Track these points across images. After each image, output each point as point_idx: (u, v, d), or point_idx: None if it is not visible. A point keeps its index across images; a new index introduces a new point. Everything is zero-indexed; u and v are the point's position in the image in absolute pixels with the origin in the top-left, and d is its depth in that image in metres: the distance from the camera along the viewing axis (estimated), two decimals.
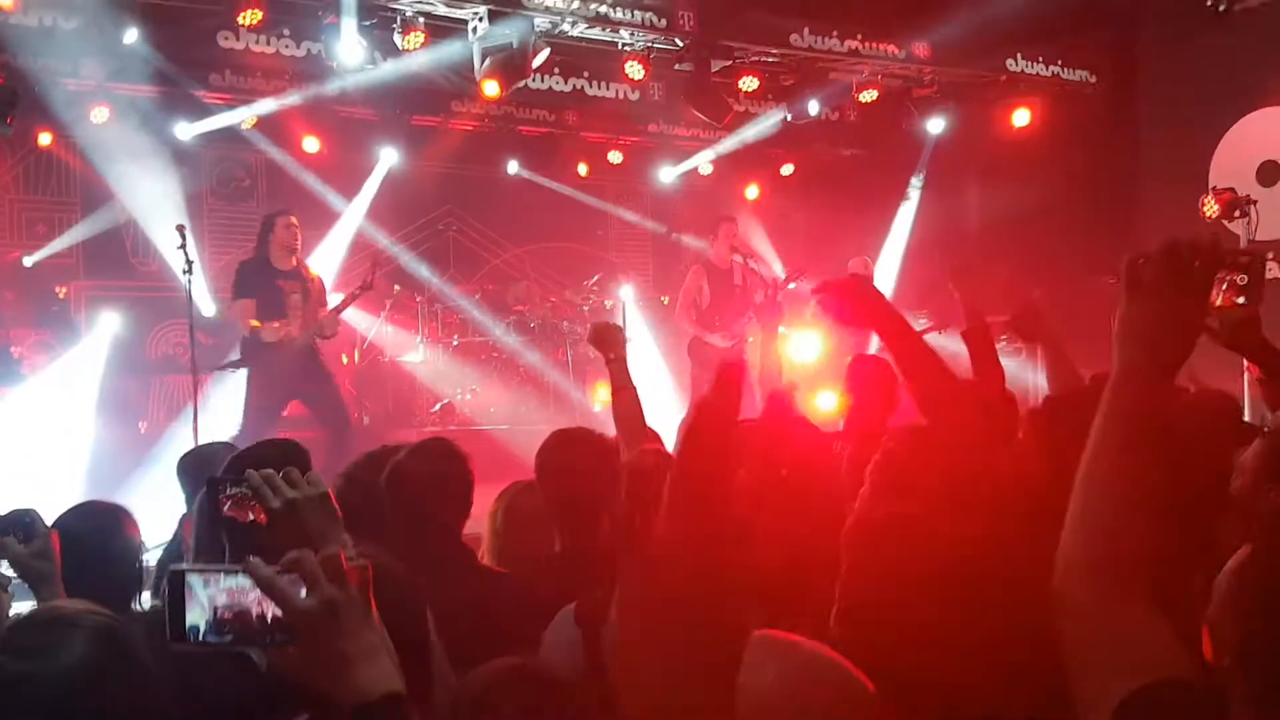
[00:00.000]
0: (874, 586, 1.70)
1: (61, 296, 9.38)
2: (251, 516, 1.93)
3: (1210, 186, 7.84)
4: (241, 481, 1.88)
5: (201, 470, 3.41)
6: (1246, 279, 1.54)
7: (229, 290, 7.43)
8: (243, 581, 1.36)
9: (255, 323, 6.95)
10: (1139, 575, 1.40)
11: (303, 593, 1.36)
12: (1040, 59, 9.43)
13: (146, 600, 3.03)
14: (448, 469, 3.03)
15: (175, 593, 1.36)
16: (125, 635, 1.69)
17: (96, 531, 2.89)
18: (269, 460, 1.92)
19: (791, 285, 8.81)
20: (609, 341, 3.74)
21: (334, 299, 7.46)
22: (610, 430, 3.89)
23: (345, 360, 10.13)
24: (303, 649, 1.35)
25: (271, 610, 1.36)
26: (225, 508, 2.01)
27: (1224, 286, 1.53)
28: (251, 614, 1.37)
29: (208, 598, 1.36)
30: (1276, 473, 2.54)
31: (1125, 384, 1.47)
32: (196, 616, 1.36)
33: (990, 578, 1.65)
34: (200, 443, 6.05)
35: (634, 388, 3.66)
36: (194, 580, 1.36)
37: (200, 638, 1.36)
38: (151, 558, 5.91)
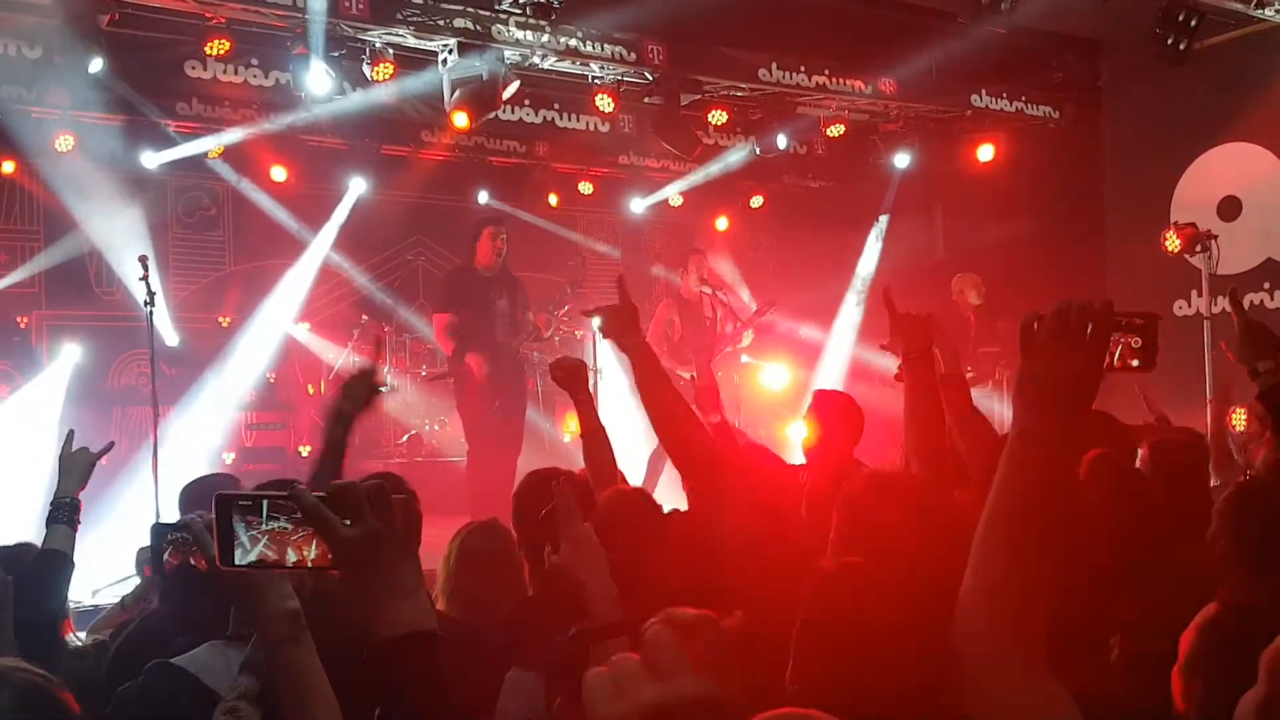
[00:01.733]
0: (830, 641, 1.66)
1: (23, 326, 9.25)
2: (192, 562, 1.91)
3: (1172, 221, 7.94)
4: (183, 527, 1.85)
5: (203, 501, 3.37)
6: (1141, 342, 1.55)
7: (200, 319, 7.50)
8: (284, 524, 1.38)
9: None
10: (1035, 637, 1.38)
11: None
12: (1004, 95, 9.56)
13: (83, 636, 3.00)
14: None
15: (224, 521, 1.38)
16: (54, 694, 1.67)
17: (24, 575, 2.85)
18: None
19: (765, 317, 8.86)
20: (574, 380, 3.65)
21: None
22: (581, 463, 3.87)
23: (311, 391, 10.05)
24: (343, 577, 1.37)
25: (312, 553, 1.38)
26: (167, 554, 1.99)
27: (1118, 350, 1.54)
28: (297, 553, 1.39)
29: (249, 540, 1.39)
30: (1234, 526, 2.54)
31: (1020, 445, 1.47)
32: (242, 547, 1.39)
33: (930, 624, 1.63)
34: (165, 475, 6.00)
35: (603, 430, 3.60)
36: (237, 523, 1.39)
37: (249, 565, 1.40)
38: (105, 595, 5.81)
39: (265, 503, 1.39)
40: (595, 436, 3.58)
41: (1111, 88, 9.60)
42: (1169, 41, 7.75)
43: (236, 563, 1.38)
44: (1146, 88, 9.02)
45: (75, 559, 3.23)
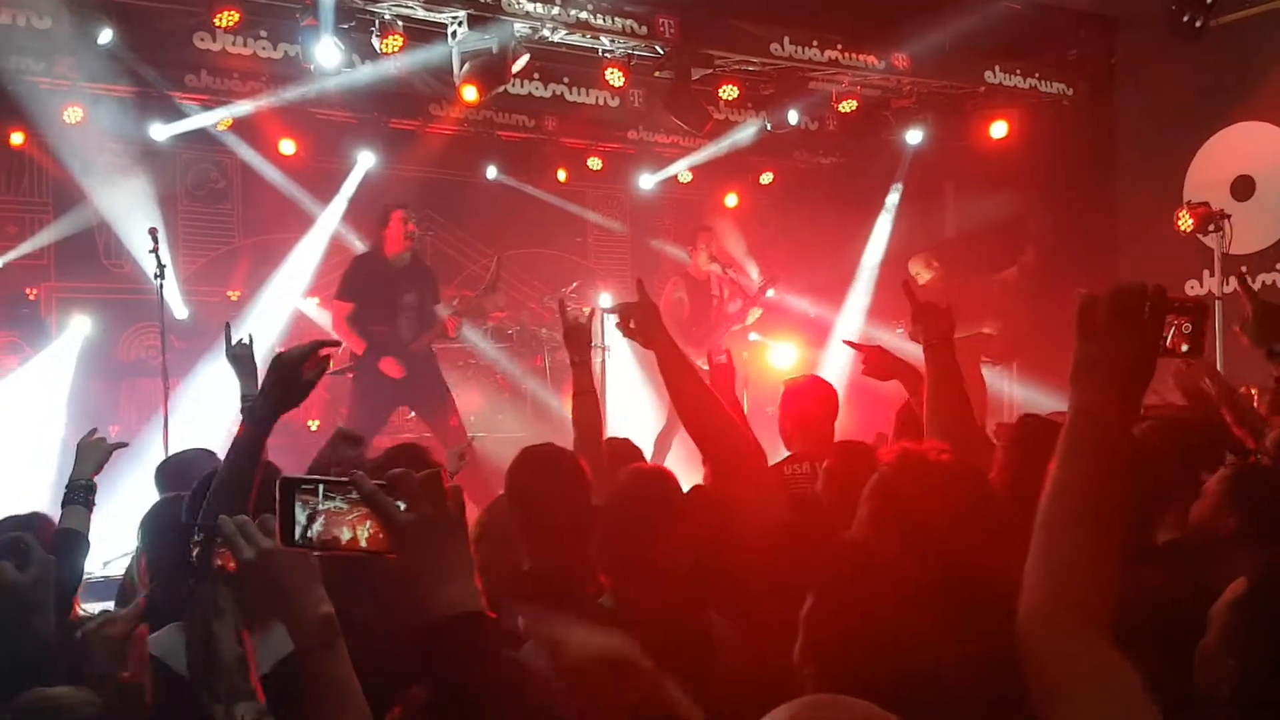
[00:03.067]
0: (841, 619, 1.66)
1: (32, 298, 9.26)
2: (220, 563, 1.93)
3: (1185, 200, 7.89)
4: (214, 528, 1.86)
5: (181, 478, 3.41)
6: (1190, 327, 1.56)
7: (208, 293, 7.46)
8: (339, 504, 1.46)
9: None
10: (1103, 616, 1.39)
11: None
12: (1018, 71, 9.49)
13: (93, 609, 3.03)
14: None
15: (287, 501, 1.47)
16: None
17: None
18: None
19: (770, 293, 8.83)
20: (579, 343, 3.75)
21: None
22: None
23: None
24: (399, 561, 1.44)
25: (366, 532, 1.45)
26: (194, 553, 2.01)
27: (1170, 332, 1.55)
28: (347, 536, 1.46)
29: (306, 518, 1.47)
30: (1238, 501, 2.54)
31: (1080, 424, 1.48)
32: (302, 526, 1.48)
33: (961, 605, 1.63)
34: (175, 448, 6.00)
35: (595, 393, 3.70)
36: (297, 502, 1.48)
37: (309, 544, 1.49)
38: (115, 567, 5.85)
39: (322, 486, 1.48)
40: (587, 397, 3.67)
41: (1126, 65, 9.52)
42: (1185, 18, 7.68)
43: (296, 540, 1.48)
44: (1161, 65, 8.94)
45: (89, 537, 3.32)
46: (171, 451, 6.12)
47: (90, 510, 3.35)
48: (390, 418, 7.84)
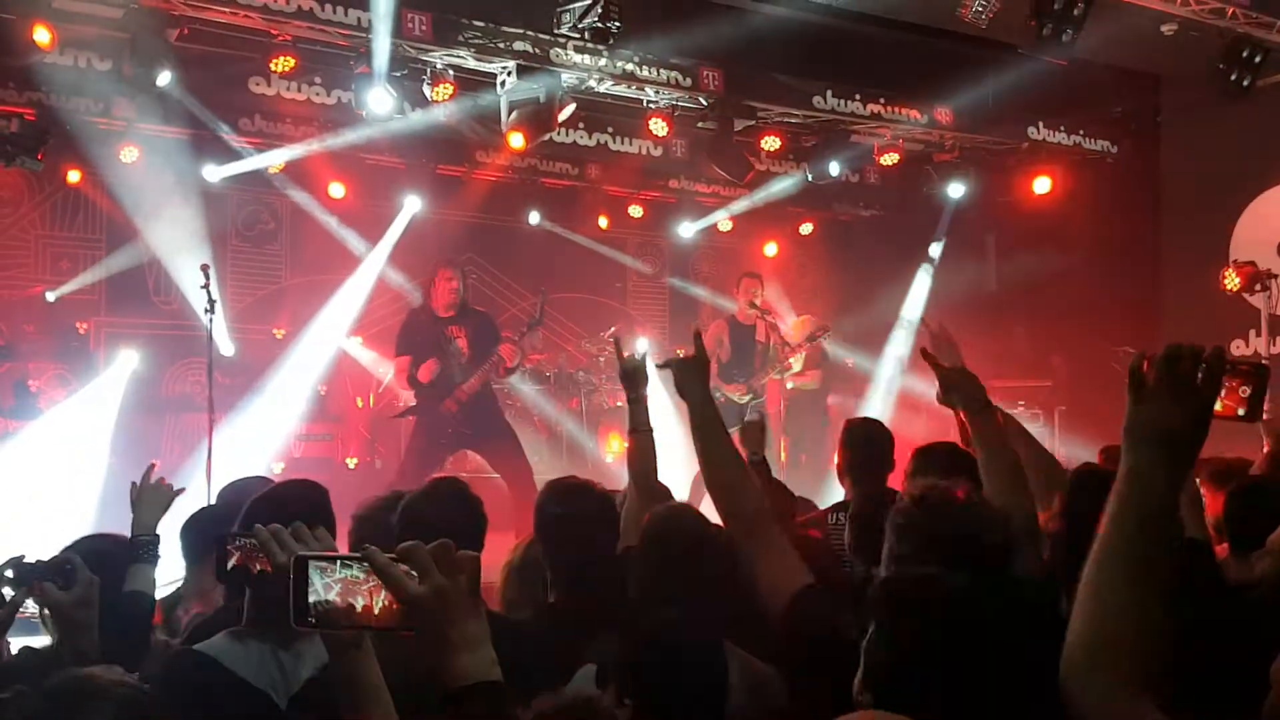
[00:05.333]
0: (897, 650, 1.68)
1: (82, 332, 9.45)
2: (259, 567, 1.97)
3: (1231, 260, 7.82)
4: (250, 534, 1.91)
5: (238, 503, 3.42)
6: (1249, 391, 1.53)
7: (254, 330, 7.58)
8: (356, 573, 1.45)
9: None
10: (1146, 674, 1.39)
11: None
12: (1062, 128, 9.49)
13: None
14: (458, 511, 2.95)
15: (299, 578, 1.45)
16: (153, 704, 1.73)
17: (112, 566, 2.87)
18: (290, 501, 1.98)
19: (820, 339, 8.84)
20: (634, 382, 3.72)
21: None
22: (622, 482, 3.88)
23: (360, 404, 10.16)
24: (413, 634, 1.44)
25: (381, 601, 1.45)
26: (233, 559, 2.06)
27: (1224, 394, 1.51)
28: (362, 604, 1.45)
29: (323, 586, 1.46)
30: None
31: (1131, 487, 1.47)
32: (315, 600, 1.46)
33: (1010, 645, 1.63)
34: (220, 480, 6.08)
35: (650, 431, 3.64)
36: (313, 569, 1.46)
37: (319, 622, 1.47)
38: (167, 590, 5.91)
39: (339, 560, 1.47)
40: (642, 435, 3.62)
41: (1171, 123, 9.49)
42: (1231, 77, 7.65)
43: (309, 618, 1.46)
44: (1207, 124, 8.91)
45: (155, 597, 3.21)
46: (214, 485, 6.21)
47: (155, 564, 3.19)
48: (449, 461, 7.94)
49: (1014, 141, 9.60)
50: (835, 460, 4.34)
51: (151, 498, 3.29)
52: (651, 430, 3.64)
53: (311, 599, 1.46)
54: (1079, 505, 2.45)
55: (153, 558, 3.18)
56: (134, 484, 3.33)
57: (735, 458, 2.92)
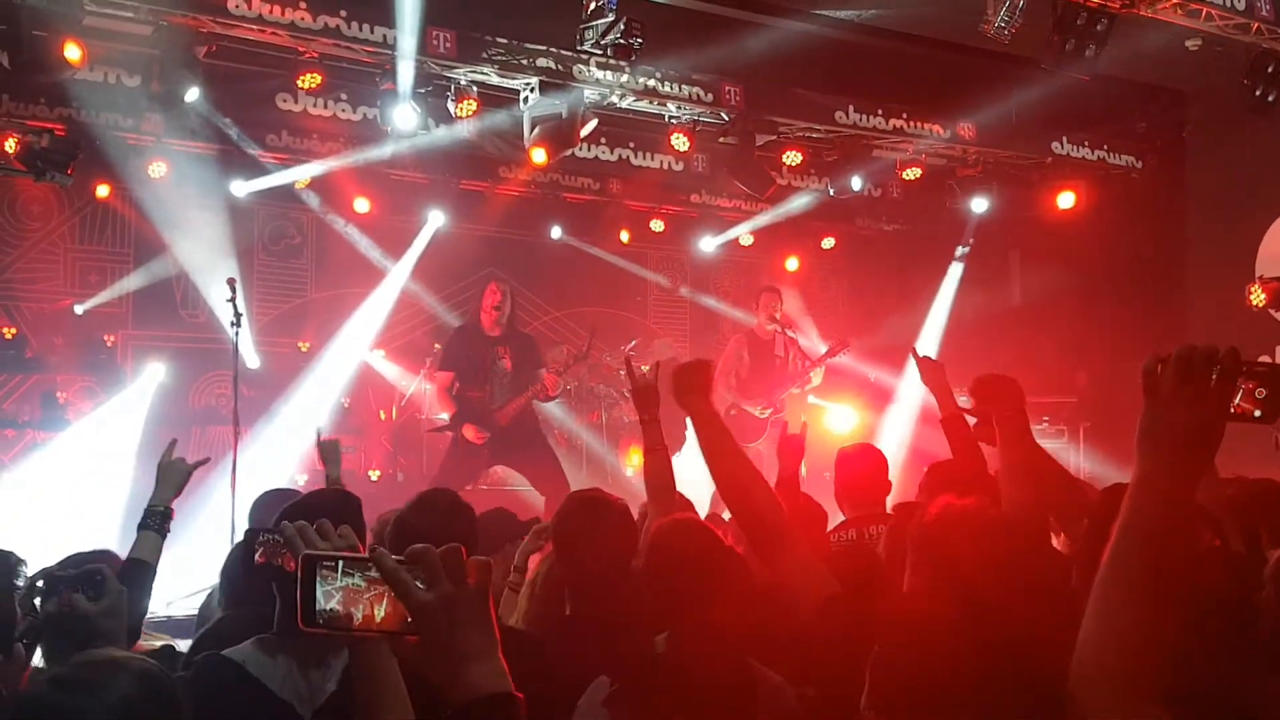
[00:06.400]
0: (905, 668, 1.67)
1: (109, 344, 9.55)
2: (279, 563, 2.02)
3: (1257, 275, 7.76)
4: (276, 531, 1.94)
5: (271, 511, 3.49)
6: (1265, 392, 1.49)
7: (280, 344, 7.67)
8: (357, 582, 1.40)
9: None
10: (1155, 685, 1.37)
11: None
12: (1085, 143, 9.46)
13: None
14: (450, 524, 2.97)
15: (308, 579, 1.40)
16: (168, 680, 1.79)
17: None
18: (324, 510, 2.01)
19: (840, 356, 8.82)
20: (647, 402, 3.73)
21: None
22: (642, 495, 3.90)
23: (383, 416, 10.22)
24: (420, 641, 1.38)
25: (382, 611, 1.39)
26: (258, 554, 2.11)
27: (1239, 396, 1.48)
28: (362, 614, 1.41)
29: (323, 595, 1.40)
30: None
31: (1143, 493, 1.45)
32: (323, 604, 1.40)
33: (1025, 665, 1.63)
34: (245, 492, 6.15)
35: (665, 449, 3.66)
36: (320, 572, 1.41)
37: (327, 624, 1.41)
38: (179, 608, 5.95)
39: (341, 562, 1.41)
40: (657, 454, 3.63)
41: (1196, 138, 9.45)
42: (1256, 93, 7.61)
43: (318, 621, 1.41)
44: (1232, 139, 8.86)
45: (157, 567, 3.31)
46: (238, 497, 6.27)
47: (164, 537, 3.30)
48: (482, 475, 8.07)
49: (1037, 156, 9.58)
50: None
51: (168, 473, 3.42)
52: (665, 449, 3.65)
53: (320, 606, 1.41)
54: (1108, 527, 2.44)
55: (160, 528, 3.27)
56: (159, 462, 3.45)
57: (745, 469, 2.93)
